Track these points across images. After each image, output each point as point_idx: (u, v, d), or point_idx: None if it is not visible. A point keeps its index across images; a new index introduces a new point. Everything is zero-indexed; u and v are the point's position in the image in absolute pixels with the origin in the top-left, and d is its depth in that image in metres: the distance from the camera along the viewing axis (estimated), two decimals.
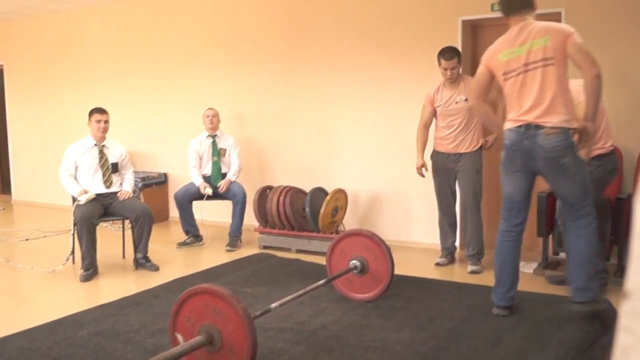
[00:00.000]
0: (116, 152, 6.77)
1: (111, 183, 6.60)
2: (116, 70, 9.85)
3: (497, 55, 4.56)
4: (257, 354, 3.50)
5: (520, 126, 4.46)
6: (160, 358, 3.32)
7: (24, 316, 5.07)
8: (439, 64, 6.16)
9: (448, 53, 6.12)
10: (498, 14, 6.57)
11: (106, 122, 6.63)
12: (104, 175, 6.58)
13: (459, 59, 6.14)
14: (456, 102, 6.19)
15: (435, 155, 6.42)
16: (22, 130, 11.32)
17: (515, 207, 4.72)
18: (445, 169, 6.37)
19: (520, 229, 4.82)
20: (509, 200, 4.74)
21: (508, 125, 4.58)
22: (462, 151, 6.23)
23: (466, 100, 6.10)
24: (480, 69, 4.70)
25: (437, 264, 6.54)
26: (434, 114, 6.36)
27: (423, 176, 6.43)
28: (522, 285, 5.70)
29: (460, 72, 6.26)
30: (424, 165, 6.36)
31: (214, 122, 7.75)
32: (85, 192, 6.36)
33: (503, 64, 4.52)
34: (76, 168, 6.56)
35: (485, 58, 4.68)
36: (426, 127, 6.42)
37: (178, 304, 3.69)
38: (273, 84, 8.34)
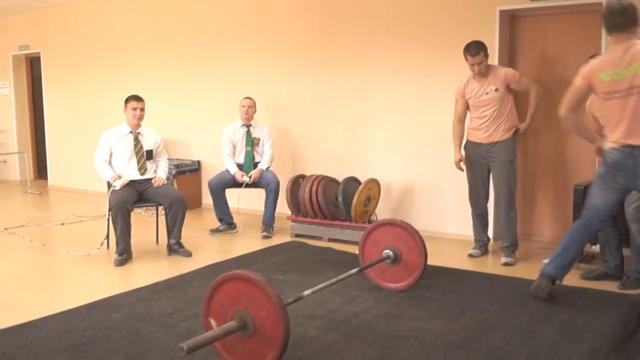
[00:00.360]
0: (151, 140, 6.81)
1: (145, 170, 6.65)
2: (150, 57, 9.91)
3: (599, 73, 4.62)
4: (289, 340, 3.52)
5: (625, 146, 4.57)
6: (193, 341, 3.34)
7: (60, 298, 5.13)
8: (466, 60, 6.14)
9: (474, 49, 6.09)
10: (536, 4, 6.56)
11: (142, 109, 6.68)
12: (138, 162, 6.62)
13: (485, 53, 6.11)
14: (486, 93, 6.16)
15: (469, 145, 6.39)
16: (58, 117, 11.46)
17: (597, 218, 4.87)
18: (478, 160, 6.34)
19: (597, 229, 5.09)
20: (593, 209, 4.87)
21: (612, 145, 4.68)
22: (494, 140, 6.20)
23: (496, 90, 6.12)
24: (579, 82, 4.76)
25: (470, 255, 6.51)
26: (467, 106, 6.35)
27: (462, 170, 6.41)
28: None
29: (488, 63, 6.24)
30: (462, 159, 6.35)
31: (249, 113, 7.75)
32: (119, 177, 6.41)
33: (606, 84, 4.59)
34: (111, 154, 6.61)
35: (585, 73, 4.73)
36: (461, 120, 6.41)
37: (212, 289, 3.71)
38: (308, 73, 8.33)
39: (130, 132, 6.67)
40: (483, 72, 6.13)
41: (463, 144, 6.43)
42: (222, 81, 9.17)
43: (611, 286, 5.40)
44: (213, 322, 3.64)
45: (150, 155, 6.74)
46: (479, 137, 6.27)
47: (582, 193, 5.86)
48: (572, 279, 5.62)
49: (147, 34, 9.96)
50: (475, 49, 6.07)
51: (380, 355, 3.91)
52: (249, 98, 7.82)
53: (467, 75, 6.33)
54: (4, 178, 12.58)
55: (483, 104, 6.18)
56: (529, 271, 5.92)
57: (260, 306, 3.52)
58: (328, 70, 8.16)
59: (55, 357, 3.85)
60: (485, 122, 6.20)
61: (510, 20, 7.06)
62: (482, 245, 6.58)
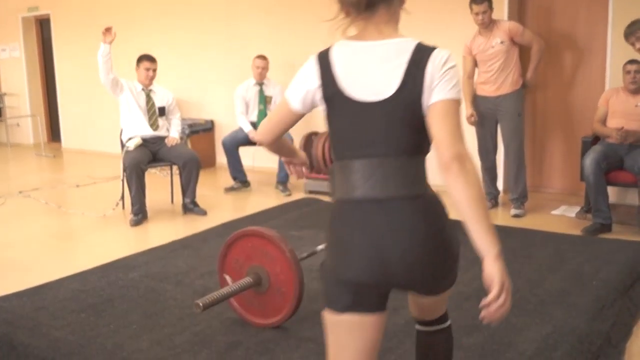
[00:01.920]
0: (163, 97, 6.87)
1: (158, 126, 6.70)
2: (162, 16, 9.89)
3: None
4: (303, 294, 3.60)
5: None
6: (209, 298, 3.43)
7: (76, 260, 5.24)
8: (471, 9, 6.19)
9: None
10: None
11: (154, 70, 6.73)
12: (150, 118, 6.68)
13: (490, 4, 6.17)
14: (492, 46, 6.24)
15: (478, 100, 6.43)
16: (70, 78, 11.48)
17: None
18: (487, 114, 6.39)
19: None
20: None
21: None
22: (502, 93, 6.26)
23: (502, 42, 6.20)
24: None
25: None
26: (475, 63, 6.40)
27: (474, 125, 6.45)
28: (564, 229, 5.75)
29: (492, 17, 6.27)
30: (472, 114, 6.39)
31: (263, 74, 7.77)
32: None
33: None
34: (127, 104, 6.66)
35: None
36: (470, 77, 6.49)
37: (226, 246, 3.79)
38: (321, 30, 8.27)
39: (143, 89, 6.71)
40: (486, 23, 6.17)
41: (471, 99, 6.46)
42: (234, 39, 9.15)
43: (615, 235, 5.48)
44: (228, 279, 3.73)
45: (162, 112, 6.80)
46: (488, 90, 6.32)
47: (589, 145, 5.91)
48: (578, 230, 5.69)
49: None
50: None
51: (392, 306, 3.92)
52: (263, 58, 7.80)
53: (472, 32, 6.37)
54: (17, 141, 12.65)
55: (490, 57, 6.23)
56: (538, 222, 5.99)
57: (275, 261, 3.61)
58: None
59: (73, 317, 3.94)
60: (493, 74, 6.25)
61: None
62: (492, 197, 6.64)
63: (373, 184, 2.00)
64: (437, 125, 1.97)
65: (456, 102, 2.00)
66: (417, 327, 2.46)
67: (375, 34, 2.07)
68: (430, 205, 2.13)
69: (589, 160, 5.58)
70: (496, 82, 6.26)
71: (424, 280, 2.11)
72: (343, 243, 2.09)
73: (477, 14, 6.15)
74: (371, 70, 2.01)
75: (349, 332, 2.13)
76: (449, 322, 2.44)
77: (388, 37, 2.07)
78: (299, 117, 2.23)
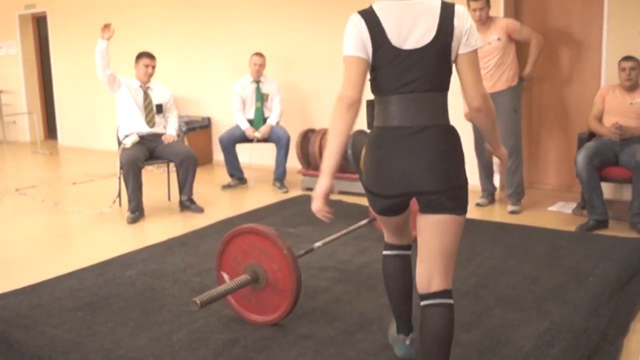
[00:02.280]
0: (161, 94, 6.86)
1: (154, 124, 6.69)
2: (159, 14, 9.89)
3: None
4: (301, 291, 3.61)
5: None
6: (206, 295, 3.43)
7: (73, 258, 5.22)
8: (468, 6, 6.19)
9: None
10: None
11: (153, 67, 6.73)
12: (147, 115, 6.67)
13: (487, 1, 6.18)
14: (489, 43, 6.24)
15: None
16: (66, 76, 11.48)
17: None
18: None
19: None
20: None
21: None
22: (499, 89, 6.26)
23: (499, 39, 6.21)
24: None
25: (478, 205, 6.59)
26: None
27: (471, 121, 6.46)
28: (561, 224, 5.76)
29: (490, 15, 6.29)
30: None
31: (260, 71, 7.76)
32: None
33: None
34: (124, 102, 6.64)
35: None
36: None
37: (224, 244, 3.79)
38: (317, 27, 8.29)
39: (140, 86, 6.71)
40: (484, 20, 6.18)
41: None
42: (231, 36, 9.15)
43: (612, 231, 5.49)
44: (226, 276, 3.73)
45: (160, 109, 6.79)
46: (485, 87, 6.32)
47: (585, 141, 5.92)
48: (576, 225, 5.70)
49: None
50: None
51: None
52: (261, 55, 7.79)
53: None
54: (14, 139, 12.65)
55: (486, 53, 6.23)
56: (535, 219, 6.00)
57: (272, 259, 3.61)
58: (337, 23, 8.05)
59: (70, 315, 3.94)
60: (489, 71, 6.25)
61: None
62: (488, 194, 6.66)
63: (408, 115, 2.59)
64: (467, 73, 2.62)
65: (477, 50, 2.63)
66: (423, 302, 2.71)
67: None
68: (449, 132, 2.68)
69: (581, 157, 5.59)
70: (492, 79, 6.26)
71: (438, 180, 2.58)
72: (378, 164, 2.66)
73: (474, 10, 6.15)
74: (411, 24, 2.54)
75: (385, 220, 2.95)
76: (452, 301, 2.71)
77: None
78: (366, 64, 2.61)
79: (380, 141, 2.65)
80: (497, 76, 6.25)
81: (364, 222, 4.84)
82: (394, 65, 2.57)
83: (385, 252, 3.17)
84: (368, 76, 2.65)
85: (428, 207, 2.64)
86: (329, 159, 2.69)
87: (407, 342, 3.20)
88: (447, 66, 2.60)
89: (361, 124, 6.80)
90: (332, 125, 2.64)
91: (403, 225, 3.02)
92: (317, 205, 2.78)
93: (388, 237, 3.13)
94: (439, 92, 2.62)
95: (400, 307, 3.17)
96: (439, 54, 2.55)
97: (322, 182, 2.74)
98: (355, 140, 7.04)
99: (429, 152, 2.57)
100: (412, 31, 2.54)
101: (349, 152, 6.95)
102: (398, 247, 3.14)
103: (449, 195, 2.61)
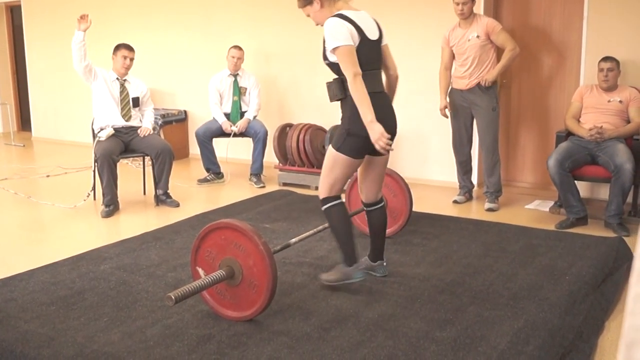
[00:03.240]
0: (138, 87, 6.81)
1: (130, 117, 6.64)
2: (135, 5, 9.81)
3: None
4: (276, 288, 3.58)
5: None
6: (181, 291, 3.40)
7: (46, 251, 5.17)
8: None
9: None
10: None
11: (132, 59, 6.66)
12: (123, 108, 6.61)
13: None
14: (468, 40, 6.26)
15: (453, 92, 6.46)
16: (41, 67, 11.35)
17: None
18: (462, 107, 6.42)
19: None
20: None
21: None
22: (477, 86, 6.27)
23: (478, 37, 6.21)
24: None
25: (455, 202, 6.60)
26: (453, 55, 6.41)
27: (447, 116, 6.49)
28: (538, 223, 5.78)
29: (475, 11, 6.32)
30: (447, 106, 6.43)
31: (237, 64, 7.72)
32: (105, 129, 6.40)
33: None
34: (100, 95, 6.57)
35: None
36: (447, 68, 6.51)
37: (199, 239, 3.76)
38: (296, 21, 8.24)
39: (117, 78, 6.64)
40: (467, 15, 6.18)
41: (448, 91, 6.49)
42: (208, 28, 9.10)
43: (588, 230, 5.52)
44: (201, 272, 3.70)
45: (136, 102, 6.73)
46: (462, 84, 6.35)
47: (563, 139, 5.95)
48: (552, 223, 5.73)
49: None
50: None
51: (366, 300, 3.99)
52: (239, 48, 7.75)
53: (452, 24, 6.39)
54: None
55: (464, 50, 6.26)
56: (512, 216, 6.03)
57: (248, 254, 3.58)
58: None
59: (43, 310, 3.89)
60: (467, 69, 6.28)
61: None
62: (466, 191, 6.68)
63: (378, 84, 3.97)
64: (389, 56, 4.14)
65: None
66: (368, 209, 4.31)
67: (351, 7, 3.95)
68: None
69: (552, 161, 5.63)
70: (471, 77, 6.28)
71: (394, 131, 3.98)
72: (379, 113, 3.77)
73: (457, 3, 6.16)
74: (368, 24, 3.91)
75: (354, 166, 4.01)
76: (384, 202, 4.35)
77: (358, 10, 3.94)
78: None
79: (373, 100, 3.75)
80: (476, 74, 6.26)
81: None
82: (367, 50, 3.85)
83: (336, 202, 4.07)
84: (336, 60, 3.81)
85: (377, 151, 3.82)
86: (371, 111, 3.71)
87: (385, 263, 4.39)
88: (381, 52, 4.05)
89: (338, 120, 6.81)
90: (361, 91, 3.70)
91: (373, 174, 4.25)
92: (381, 134, 3.72)
93: (337, 190, 4.08)
94: (381, 70, 4.07)
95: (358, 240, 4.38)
96: (380, 45, 4.02)
97: (378, 126, 3.71)
98: (332, 135, 7.03)
99: (392, 108, 4.06)
100: (370, 28, 3.89)
101: (327, 147, 6.94)
102: (367, 205, 4.32)
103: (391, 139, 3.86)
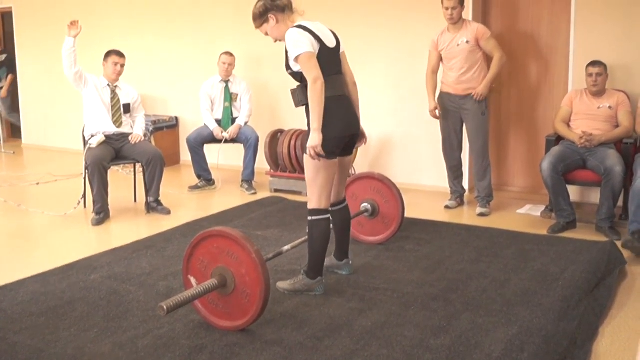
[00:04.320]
0: (129, 94, 6.77)
1: (121, 123, 6.60)
2: (125, 11, 9.76)
3: None
4: (269, 296, 3.56)
5: None
6: (173, 301, 3.38)
7: (37, 260, 5.13)
8: (442, 3, 6.19)
9: None
10: None
11: (122, 66, 6.63)
12: (114, 115, 6.58)
13: (462, 1, 6.18)
14: (457, 45, 6.25)
15: (443, 96, 6.47)
16: (31, 74, 11.28)
17: None
18: (451, 111, 6.42)
19: None
20: None
21: None
22: (466, 93, 6.27)
23: (467, 42, 6.21)
24: None
25: (447, 207, 6.59)
26: (440, 58, 6.42)
27: (437, 118, 6.48)
28: (529, 228, 5.78)
29: (463, 16, 6.32)
30: (436, 107, 6.43)
31: (229, 70, 7.69)
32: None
33: None
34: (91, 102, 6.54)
35: None
36: (434, 72, 6.51)
37: (191, 247, 3.73)
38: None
39: (108, 84, 6.61)
40: (455, 19, 6.19)
41: (437, 95, 6.48)
42: (199, 34, 9.06)
43: (580, 234, 5.52)
44: (193, 280, 3.67)
45: (127, 109, 6.70)
46: (452, 88, 6.35)
47: (553, 144, 5.96)
48: (544, 228, 5.73)
49: None
50: None
51: (360, 308, 3.97)
52: (230, 55, 7.73)
53: (442, 27, 6.38)
54: None
55: (453, 55, 6.27)
56: (504, 221, 6.03)
57: (240, 263, 3.56)
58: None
59: (32, 321, 3.85)
60: (456, 73, 6.28)
61: None
62: (457, 196, 6.67)
63: (339, 87, 4.12)
64: (346, 62, 4.26)
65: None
66: (333, 209, 4.28)
67: (305, 19, 4.15)
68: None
69: (546, 164, 5.63)
70: (459, 82, 6.28)
71: (357, 132, 4.23)
72: (340, 117, 4.04)
73: (447, 8, 6.16)
74: (325, 33, 4.08)
75: (333, 166, 4.06)
76: (346, 201, 4.48)
77: (313, 21, 4.11)
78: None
79: (336, 104, 4.02)
80: (465, 79, 6.26)
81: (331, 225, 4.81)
82: (327, 57, 4.02)
83: (324, 216, 4.09)
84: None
85: (346, 151, 4.20)
86: (320, 119, 3.87)
87: (350, 262, 4.59)
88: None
89: None
90: (318, 95, 3.84)
91: (339, 175, 4.28)
92: (317, 145, 3.88)
93: (327, 200, 4.11)
94: (341, 74, 4.19)
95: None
96: (339, 51, 4.17)
97: (319, 136, 3.87)
98: (304, 140, 7.02)
99: (355, 110, 4.25)
100: (327, 37, 4.07)
101: None
102: (331, 205, 4.26)
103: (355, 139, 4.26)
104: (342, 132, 4.04)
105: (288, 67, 4.12)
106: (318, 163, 3.96)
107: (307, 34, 3.94)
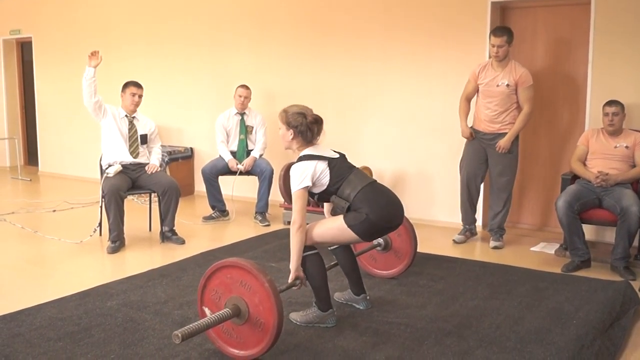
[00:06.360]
0: (146, 125, 6.85)
1: (138, 154, 6.67)
2: (143, 43, 9.90)
3: None
4: (282, 326, 3.57)
5: None
6: (188, 329, 3.39)
7: (53, 286, 5.17)
8: (489, 40, 6.29)
9: (499, 30, 6.27)
10: None
11: (140, 96, 6.71)
12: (131, 145, 6.65)
13: (509, 39, 6.22)
14: (497, 85, 6.27)
15: (472, 131, 6.47)
16: (49, 102, 11.42)
17: None
18: (478, 146, 6.44)
19: None
20: None
21: None
22: (499, 132, 6.35)
23: (507, 85, 6.24)
24: None
25: (455, 242, 6.58)
26: (477, 90, 6.47)
27: (473, 137, 6.52)
28: (543, 266, 5.77)
29: (510, 57, 6.35)
30: (471, 132, 6.49)
31: (244, 103, 7.76)
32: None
33: None
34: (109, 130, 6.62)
35: None
36: (468, 99, 6.57)
37: (205, 278, 3.76)
38: (302, 62, 8.34)
39: (126, 115, 6.69)
40: (501, 57, 6.24)
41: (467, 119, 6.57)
42: (215, 68, 9.17)
43: (594, 274, 5.51)
44: (207, 312, 3.69)
45: (144, 140, 6.77)
46: (483, 126, 6.43)
47: (568, 182, 5.96)
48: (558, 266, 5.72)
49: (140, 20, 9.94)
50: (500, 31, 6.25)
51: (373, 342, 3.97)
52: (246, 87, 7.79)
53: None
54: None
55: (492, 94, 6.30)
56: (518, 258, 6.02)
57: (254, 292, 3.58)
58: (322, 59, 8.17)
59: (50, 345, 3.88)
60: (491, 113, 6.34)
61: (502, 12, 7.09)
62: (467, 230, 6.66)
63: (364, 176, 4.27)
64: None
65: None
66: (331, 248, 4.50)
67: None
68: None
69: (561, 202, 5.63)
70: (493, 122, 6.36)
71: (400, 222, 4.28)
72: (382, 204, 4.14)
73: (493, 45, 6.22)
74: (326, 151, 4.33)
75: (354, 241, 4.30)
76: None
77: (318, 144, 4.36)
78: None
79: (374, 192, 4.18)
80: (500, 119, 6.33)
81: None
82: (339, 166, 4.24)
83: (313, 252, 4.16)
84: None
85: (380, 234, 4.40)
86: (298, 262, 4.08)
87: (368, 297, 4.60)
88: None
89: None
90: (297, 241, 4.03)
91: None
92: (295, 279, 4.10)
93: (321, 246, 4.26)
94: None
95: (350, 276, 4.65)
96: (344, 158, 4.39)
97: (297, 274, 4.10)
98: (287, 169, 7.06)
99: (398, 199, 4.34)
100: (328, 152, 4.31)
101: None
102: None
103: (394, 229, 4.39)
104: (383, 220, 4.11)
105: (311, 195, 4.32)
106: (347, 232, 4.07)
107: (312, 163, 4.15)
